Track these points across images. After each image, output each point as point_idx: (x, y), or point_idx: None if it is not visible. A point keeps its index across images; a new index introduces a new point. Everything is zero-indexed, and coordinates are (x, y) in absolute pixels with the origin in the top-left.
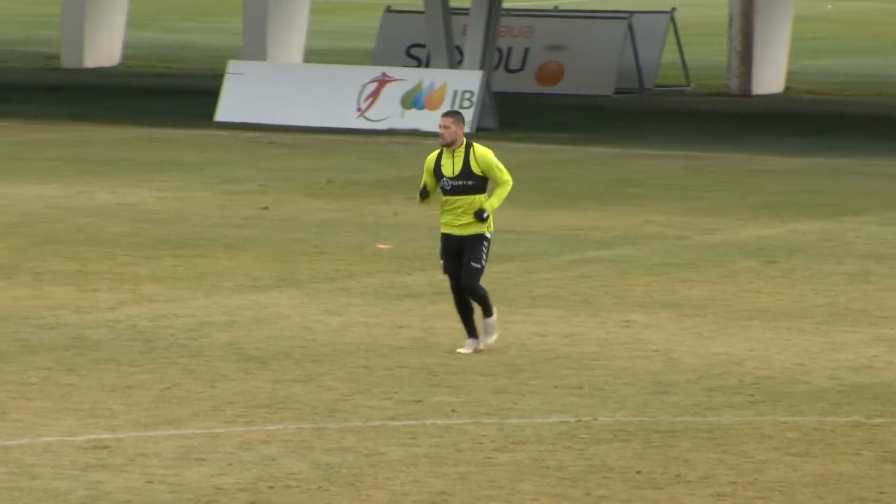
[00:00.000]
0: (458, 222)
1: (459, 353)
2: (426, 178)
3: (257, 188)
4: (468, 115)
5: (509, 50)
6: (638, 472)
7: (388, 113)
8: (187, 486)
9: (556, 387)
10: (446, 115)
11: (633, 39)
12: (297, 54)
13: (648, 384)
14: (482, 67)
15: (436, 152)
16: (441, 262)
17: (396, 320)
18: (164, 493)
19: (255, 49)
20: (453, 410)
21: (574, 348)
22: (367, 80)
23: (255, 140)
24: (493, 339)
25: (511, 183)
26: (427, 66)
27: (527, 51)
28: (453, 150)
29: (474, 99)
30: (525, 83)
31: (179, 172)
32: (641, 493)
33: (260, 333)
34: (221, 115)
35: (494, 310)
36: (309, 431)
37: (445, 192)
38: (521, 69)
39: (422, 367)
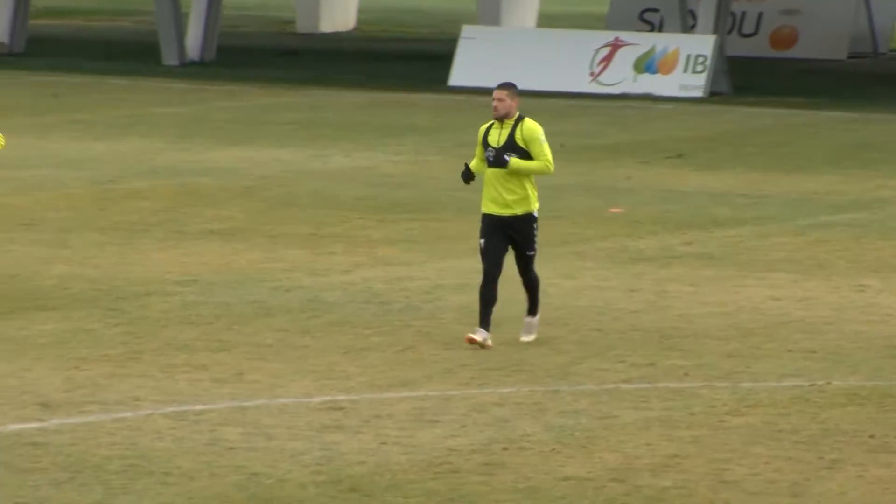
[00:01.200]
0: (502, 200)
1: (469, 337)
2: (478, 149)
3: None
4: (701, 79)
5: (743, 14)
6: (871, 436)
7: (621, 77)
8: (421, 447)
9: (789, 350)
10: (501, 87)
11: (867, 3)
12: (530, 19)
13: (883, 349)
14: (715, 32)
15: (486, 124)
16: (480, 241)
17: (629, 284)
18: (398, 454)
19: (488, 14)
20: (686, 374)
21: (808, 312)
22: (600, 45)
23: (488, 104)
24: (531, 338)
25: (550, 166)
26: (660, 30)
27: (760, 15)
28: (503, 122)
29: (707, 63)
30: (758, 47)
31: (414, 136)
32: (875, 456)
33: None
34: (455, 79)
35: (539, 309)
36: (542, 394)
37: (489, 164)
38: (755, 33)
39: (654, 330)
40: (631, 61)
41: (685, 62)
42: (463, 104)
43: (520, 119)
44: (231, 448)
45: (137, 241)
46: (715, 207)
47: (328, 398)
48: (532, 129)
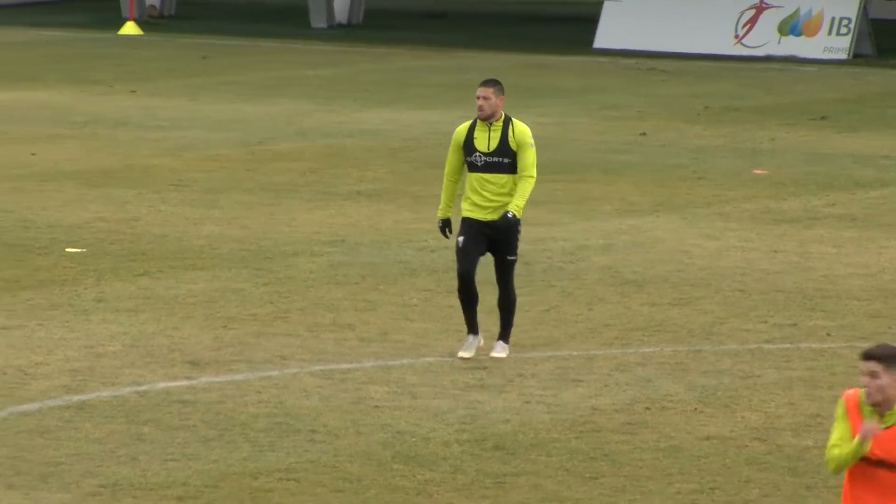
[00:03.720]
0: (488, 205)
1: (462, 357)
2: (452, 154)
3: (635, 114)
4: (845, 41)
5: None
6: None
7: (765, 39)
8: (564, 406)
9: None
10: (485, 84)
11: None
12: None
13: None
14: None
15: (465, 125)
16: (459, 238)
17: (772, 245)
18: (542, 412)
19: None
20: (828, 334)
21: None
22: (745, 7)
23: (633, 67)
24: (503, 355)
25: (534, 180)
26: None
27: None
28: (490, 123)
29: (851, 25)
30: None
31: (559, 98)
32: None
33: (637, 257)
34: (599, 41)
35: (510, 334)
36: (685, 354)
37: (475, 169)
38: None
39: (797, 291)
40: (775, 24)
41: (829, 24)
42: (607, 66)
43: (508, 120)
44: (376, 406)
45: (285, 202)
46: (858, 169)
47: (473, 357)
48: (523, 131)
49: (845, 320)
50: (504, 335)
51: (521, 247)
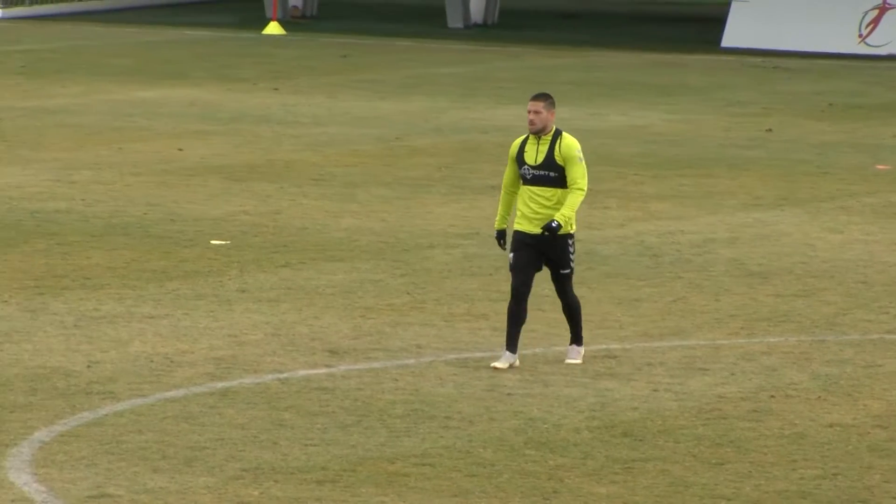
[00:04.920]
0: (536, 217)
1: (494, 367)
2: (509, 167)
3: (761, 111)
4: None
5: None
6: None
7: (889, 39)
8: (691, 394)
9: None
10: (537, 98)
11: None
12: None
13: None
14: None
15: (520, 138)
16: (510, 255)
17: (894, 238)
18: (670, 400)
19: None
20: None
21: None
22: (869, 8)
23: (758, 65)
24: (579, 360)
25: (585, 192)
26: None
27: None
28: (540, 137)
29: None
30: None
31: (686, 96)
32: None
33: (762, 250)
34: (727, 41)
35: (582, 336)
36: (809, 344)
37: (525, 182)
38: None
39: None
40: None
41: None
42: (734, 64)
43: (557, 134)
44: (509, 394)
45: (421, 196)
46: None
47: (602, 346)
48: (570, 145)
49: None
50: (576, 339)
51: (650, 240)
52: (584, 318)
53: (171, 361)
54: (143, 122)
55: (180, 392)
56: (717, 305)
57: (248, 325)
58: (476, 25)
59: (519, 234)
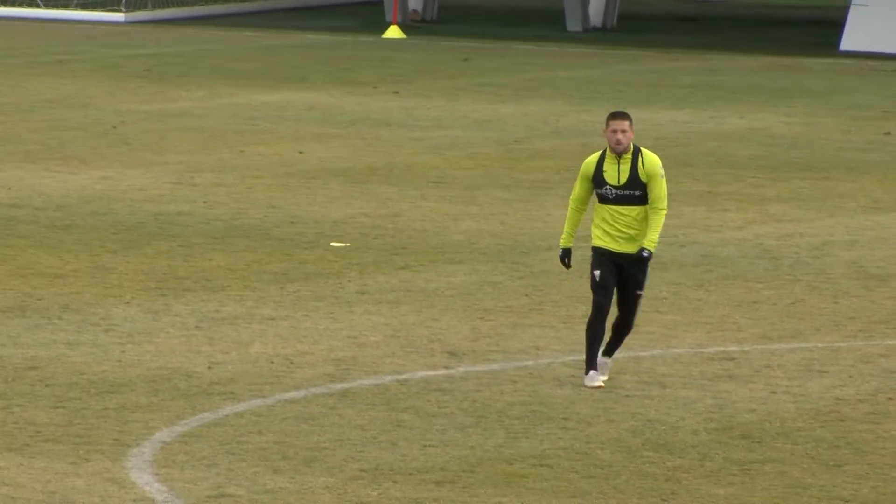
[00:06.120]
0: (620, 236)
1: (592, 386)
2: (580, 185)
3: (880, 114)
4: None
5: None
6: None
7: None
8: (808, 396)
9: None
10: (620, 116)
11: None
12: None
13: None
14: None
15: (594, 157)
16: (595, 272)
17: None
18: (787, 402)
19: None
20: None
21: None
22: None
23: (879, 68)
24: (605, 378)
25: (665, 211)
26: None
27: None
28: (620, 156)
29: None
30: None
31: (805, 99)
32: None
33: (881, 252)
34: (846, 44)
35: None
36: None
37: (606, 202)
38: None
39: None
40: None
41: None
42: (853, 68)
43: (637, 151)
44: (627, 395)
45: (541, 199)
46: None
47: (720, 349)
48: (653, 162)
49: None
50: (611, 350)
51: (770, 242)
52: (701, 319)
53: (291, 362)
54: (265, 125)
55: (300, 393)
56: (835, 308)
57: (367, 326)
58: (595, 29)
59: (603, 251)
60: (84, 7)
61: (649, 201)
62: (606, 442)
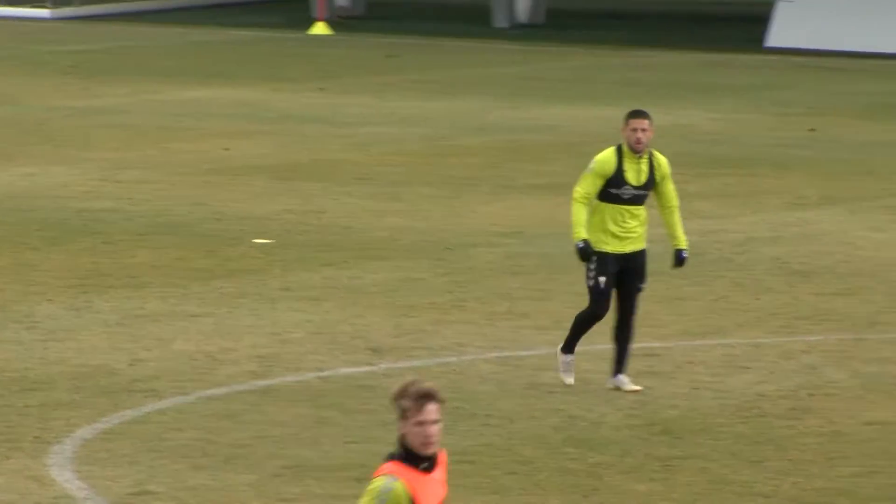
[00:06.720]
0: (627, 236)
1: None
2: (593, 181)
3: (806, 111)
4: None
5: None
6: None
7: None
8: (730, 392)
9: None
10: (641, 115)
11: None
12: None
13: None
14: None
15: (610, 155)
16: (600, 279)
17: None
18: (709, 399)
19: None
20: None
21: None
22: None
23: (805, 65)
24: (634, 385)
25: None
26: None
27: None
28: (640, 156)
29: None
30: None
31: (731, 95)
32: None
33: (804, 249)
34: (772, 40)
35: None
36: (849, 342)
37: (619, 202)
38: None
39: None
40: None
41: None
42: (779, 64)
43: (650, 153)
44: (549, 392)
45: (466, 195)
46: None
47: (643, 345)
48: (666, 163)
49: None
50: (622, 367)
51: (693, 238)
52: None
53: (214, 359)
54: (190, 122)
55: (223, 390)
56: (758, 304)
57: (290, 323)
58: (522, 25)
59: (606, 256)
60: (9, 3)
61: (666, 200)
62: (528, 438)
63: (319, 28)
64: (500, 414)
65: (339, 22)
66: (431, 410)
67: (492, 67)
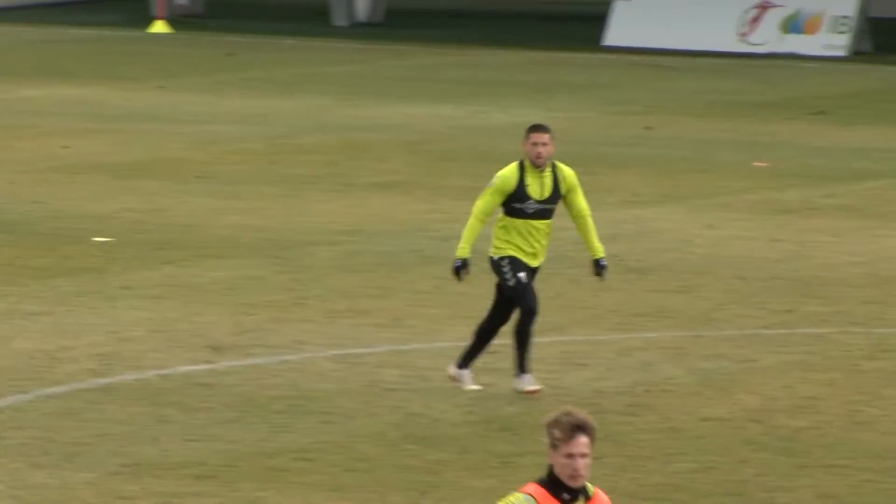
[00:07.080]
0: (532, 250)
1: (528, 391)
2: (493, 197)
3: (642, 109)
4: (844, 39)
5: None
6: None
7: (768, 38)
8: (568, 388)
9: None
10: (540, 129)
11: None
12: None
13: None
14: None
15: (512, 171)
16: (520, 274)
17: (772, 234)
18: (547, 395)
19: None
20: (823, 320)
21: None
22: (749, 6)
23: (640, 63)
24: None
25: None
26: None
27: None
28: (542, 170)
29: (850, 23)
30: None
31: (567, 94)
32: None
33: (641, 246)
34: (609, 38)
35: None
36: (685, 339)
37: (523, 216)
38: None
39: (795, 279)
40: (777, 22)
41: (829, 23)
42: (616, 63)
43: (554, 165)
44: (389, 389)
45: (305, 193)
46: (855, 161)
47: None
48: (572, 173)
49: (841, 307)
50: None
51: None
52: (464, 313)
53: (53, 358)
54: (29, 120)
55: (62, 388)
56: (595, 301)
57: (130, 321)
58: (361, 24)
59: (519, 259)
60: None
61: (577, 211)
62: (368, 436)
63: (159, 26)
64: (339, 411)
65: (178, 20)
66: (582, 444)
67: (331, 66)
